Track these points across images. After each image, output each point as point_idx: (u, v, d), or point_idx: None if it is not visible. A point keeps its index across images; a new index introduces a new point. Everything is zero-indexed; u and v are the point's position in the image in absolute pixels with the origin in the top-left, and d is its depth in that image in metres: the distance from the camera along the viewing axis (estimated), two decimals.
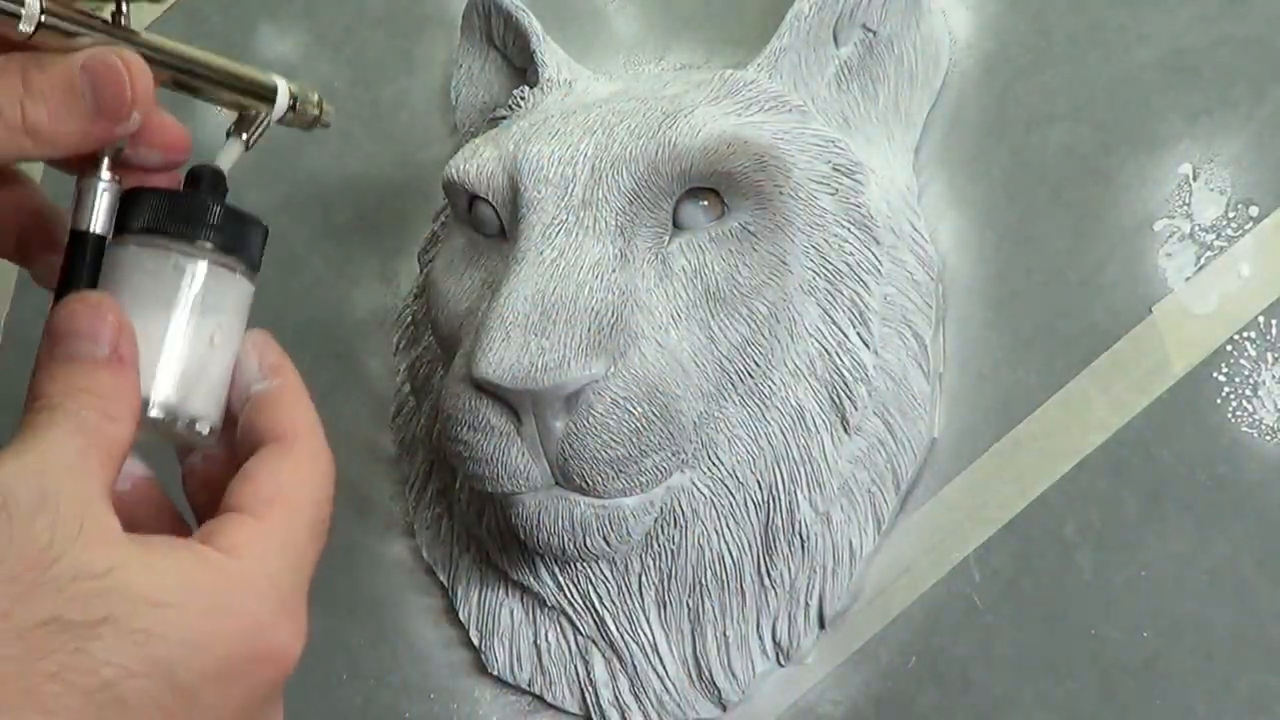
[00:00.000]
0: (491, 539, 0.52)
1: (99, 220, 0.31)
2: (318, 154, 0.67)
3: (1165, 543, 0.47)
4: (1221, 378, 0.48)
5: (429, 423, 0.57)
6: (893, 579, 0.51)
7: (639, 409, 0.42)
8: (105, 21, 0.32)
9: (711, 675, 0.50)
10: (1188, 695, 0.46)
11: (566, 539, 0.44)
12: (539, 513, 0.44)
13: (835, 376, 0.48)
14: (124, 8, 0.32)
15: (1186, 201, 0.50)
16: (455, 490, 0.55)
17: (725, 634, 0.50)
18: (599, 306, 0.43)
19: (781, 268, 0.46)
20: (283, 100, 0.36)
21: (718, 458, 0.47)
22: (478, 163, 0.47)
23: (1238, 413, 0.47)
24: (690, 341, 0.45)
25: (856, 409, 0.49)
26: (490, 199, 0.47)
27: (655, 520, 0.47)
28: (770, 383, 0.47)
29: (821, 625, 0.51)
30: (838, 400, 0.48)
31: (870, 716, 0.50)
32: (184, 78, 0.34)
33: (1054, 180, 0.52)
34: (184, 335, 0.31)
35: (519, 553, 0.51)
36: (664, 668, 0.51)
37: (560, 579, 0.51)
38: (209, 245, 0.32)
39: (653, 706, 0.51)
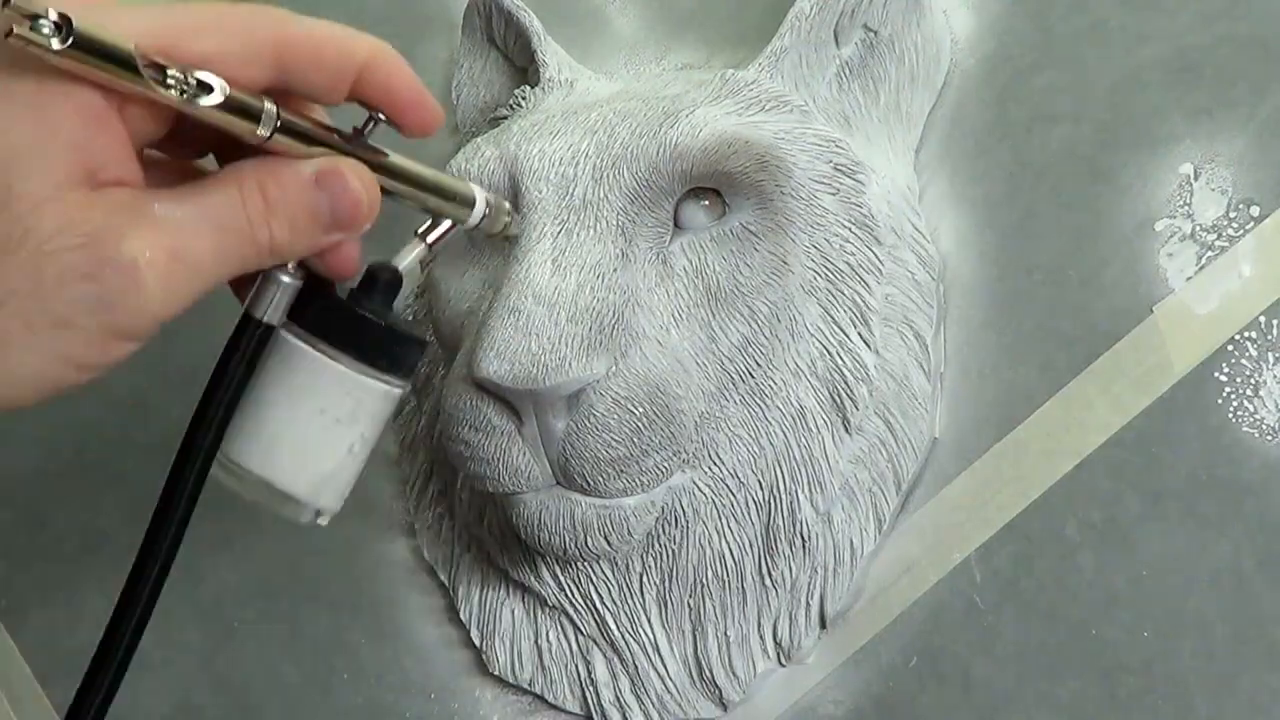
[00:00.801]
0: (492, 539, 0.52)
1: (272, 314, 0.32)
2: None
3: (1166, 543, 0.47)
4: (1223, 378, 0.48)
5: (430, 423, 0.57)
6: (894, 579, 0.51)
7: (640, 409, 0.42)
8: (333, 130, 0.32)
9: (712, 675, 0.50)
10: (1189, 695, 0.46)
11: (568, 539, 0.44)
12: (540, 512, 0.44)
13: (836, 376, 0.48)
14: (370, 127, 0.33)
15: (1188, 201, 0.50)
16: (456, 490, 0.55)
17: (726, 634, 0.50)
18: (600, 306, 0.43)
19: (782, 268, 0.46)
20: (479, 211, 0.37)
21: (719, 457, 0.47)
22: (479, 162, 0.47)
23: (1239, 413, 0.47)
24: (691, 341, 0.45)
25: (857, 409, 0.49)
26: None
27: (656, 520, 0.47)
28: (771, 382, 0.47)
29: (823, 625, 0.51)
30: (839, 400, 0.48)
31: (871, 716, 0.50)
32: (394, 185, 0.34)
33: (1054, 180, 0.52)
34: (327, 441, 0.33)
35: (520, 552, 0.51)
36: (665, 668, 0.51)
37: (561, 579, 0.51)
38: (366, 366, 0.33)
39: (654, 706, 0.51)
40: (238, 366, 0.32)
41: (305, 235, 0.31)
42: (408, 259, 0.35)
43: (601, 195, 0.45)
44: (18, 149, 0.27)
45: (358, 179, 0.32)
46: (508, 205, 0.39)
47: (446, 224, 0.36)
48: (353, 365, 0.33)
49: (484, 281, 0.48)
